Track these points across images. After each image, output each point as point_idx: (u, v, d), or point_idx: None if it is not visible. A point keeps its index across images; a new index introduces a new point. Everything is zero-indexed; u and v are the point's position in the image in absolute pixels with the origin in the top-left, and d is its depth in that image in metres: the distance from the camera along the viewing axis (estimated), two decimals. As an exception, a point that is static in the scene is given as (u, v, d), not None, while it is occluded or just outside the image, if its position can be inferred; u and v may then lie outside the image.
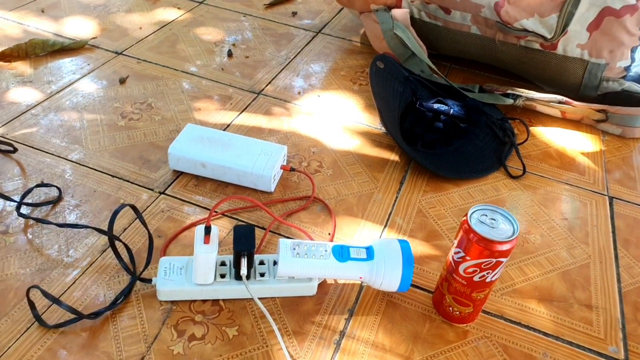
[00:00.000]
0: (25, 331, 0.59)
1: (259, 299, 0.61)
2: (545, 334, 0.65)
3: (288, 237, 0.74)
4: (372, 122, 0.98)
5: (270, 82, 1.06)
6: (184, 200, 0.78)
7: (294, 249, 0.62)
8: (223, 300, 0.64)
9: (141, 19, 1.24)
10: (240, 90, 1.03)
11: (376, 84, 0.94)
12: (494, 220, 0.57)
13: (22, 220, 0.72)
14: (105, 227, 0.72)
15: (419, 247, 0.74)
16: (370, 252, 0.63)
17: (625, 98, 0.99)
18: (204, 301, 0.64)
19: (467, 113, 0.95)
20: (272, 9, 1.34)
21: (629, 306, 0.69)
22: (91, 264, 0.67)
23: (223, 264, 0.64)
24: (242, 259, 0.61)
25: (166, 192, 0.79)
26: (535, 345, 0.63)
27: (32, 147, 0.84)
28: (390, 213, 0.79)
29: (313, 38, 1.23)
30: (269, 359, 0.59)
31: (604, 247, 0.77)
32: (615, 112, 0.98)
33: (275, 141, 0.90)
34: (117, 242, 0.69)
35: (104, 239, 0.71)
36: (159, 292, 0.63)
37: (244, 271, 0.61)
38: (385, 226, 0.77)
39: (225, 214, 0.76)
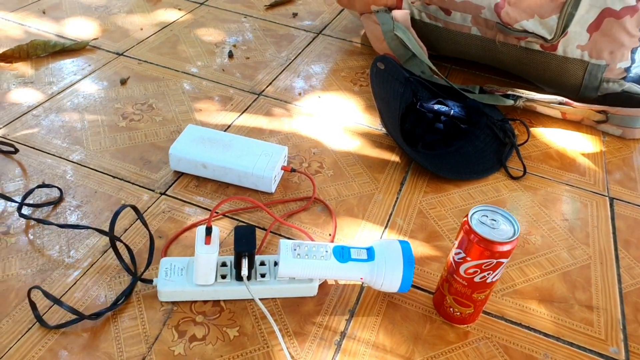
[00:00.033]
0: (27, 332, 0.59)
1: (260, 299, 0.61)
2: (546, 334, 0.65)
3: (289, 238, 0.74)
4: (372, 123, 0.98)
5: (270, 83, 1.06)
6: (184, 201, 0.78)
7: (295, 249, 0.62)
8: (224, 301, 0.64)
9: (142, 20, 1.24)
10: (241, 91, 1.03)
11: (377, 85, 0.94)
12: (495, 221, 0.57)
13: (23, 221, 0.72)
14: (106, 228, 0.72)
15: (419, 248, 0.74)
16: (371, 252, 0.63)
17: (625, 99, 1.00)
18: (205, 302, 0.64)
19: (468, 114, 0.96)
20: (272, 10, 1.34)
21: (630, 307, 0.69)
22: (92, 265, 0.67)
23: (224, 264, 0.65)
24: (243, 260, 0.61)
25: (167, 192, 0.79)
26: (536, 346, 0.63)
27: (33, 148, 0.85)
28: (391, 214, 0.79)
29: (313, 39, 1.23)
30: (270, 359, 0.59)
31: (604, 248, 0.77)
32: (615, 113, 0.98)
33: (275, 142, 0.91)
34: (118, 243, 0.69)
35: (105, 239, 0.71)
36: (160, 293, 0.63)
37: (244, 272, 0.61)
38: (385, 227, 0.77)
39: (226, 214, 0.76)
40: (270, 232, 0.74)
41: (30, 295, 0.60)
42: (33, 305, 0.60)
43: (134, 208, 0.64)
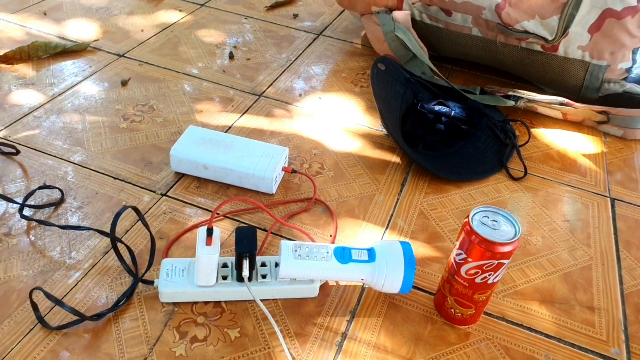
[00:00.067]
0: (28, 333, 0.59)
1: (261, 300, 0.61)
2: (547, 335, 0.65)
3: (289, 239, 0.74)
4: (373, 124, 0.98)
5: (271, 84, 1.06)
6: (185, 202, 0.78)
7: (296, 250, 0.62)
8: (225, 301, 0.64)
9: (143, 21, 1.24)
10: (241, 92, 1.03)
11: (377, 86, 0.94)
12: (496, 221, 0.57)
13: (24, 222, 0.72)
14: (107, 229, 0.72)
15: (420, 249, 0.74)
16: (371, 253, 0.63)
17: (626, 99, 0.99)
18: (206, 303, 0.64)
19: (469, 115, 0.96)
20: (273, 11, 1.34)
21: (631, 308, 0.69)
22: (93, 266, 0.67)
23: (225, 265, 0.65)
24: (244, 261, 0.61)
25: (168, 194, 0.79)
26: (537, 347, 0.63)
27: (35, 149, 0.85)
28: (392, 215, 0.79)
29: (314, 40, 1.23)
30: (271, 360, 0.59)
31: (605, 249, 0.77)
32: (616, 114, 0.98)
33: (276, 143, 0.91)
34: (119, 244, 0.69)
35: (106, 240, 0.71)
36: (161, 294, 0.63)
37: (245, 273, 0.61)
38: (386, 228, 0.77)
39: (227, 215, 0.76)
40: (271, 233, 0.74)
41: (31, 296, 0.60)
42: (35, 306, 0.60)
43: (135, 209, 0.64)
